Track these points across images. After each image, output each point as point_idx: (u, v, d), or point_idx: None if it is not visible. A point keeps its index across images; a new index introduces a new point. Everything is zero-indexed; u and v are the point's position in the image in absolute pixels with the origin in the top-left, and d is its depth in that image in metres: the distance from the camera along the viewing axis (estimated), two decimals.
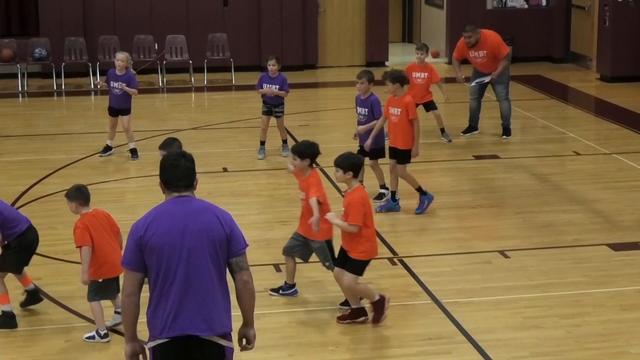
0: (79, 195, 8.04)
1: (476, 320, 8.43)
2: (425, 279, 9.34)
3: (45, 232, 10.53)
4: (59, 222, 10.71)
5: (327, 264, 8.74)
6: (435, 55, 21.66)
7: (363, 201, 8.13)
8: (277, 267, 9.54)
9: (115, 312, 8.31)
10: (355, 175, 8.23)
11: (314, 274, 8.99)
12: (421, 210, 11.34)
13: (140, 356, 5.69)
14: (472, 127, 15.11)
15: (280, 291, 8.98)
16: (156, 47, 19.78)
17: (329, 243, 8.74)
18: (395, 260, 9.90)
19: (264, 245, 10.16)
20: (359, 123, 11.56)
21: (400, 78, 11.14)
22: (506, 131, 14.96)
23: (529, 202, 11.80)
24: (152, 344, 5.57)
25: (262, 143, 13.69)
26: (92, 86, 18.67)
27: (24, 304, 8.70)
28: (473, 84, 14.86)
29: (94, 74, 19.08)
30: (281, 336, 8.13)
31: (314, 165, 8.80)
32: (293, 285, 8.98)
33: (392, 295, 8.98)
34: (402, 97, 11.11)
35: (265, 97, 13.57)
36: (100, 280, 7.99)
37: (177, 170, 5.61)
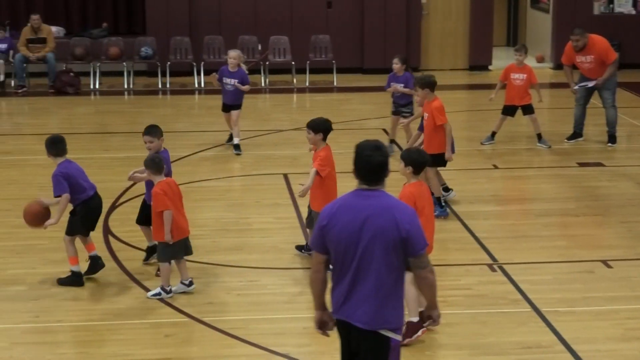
0: (151, 165, 8.85)
1: (576, 330, 8.29)
2: (525, 286, 9.22)
3: None
4: None
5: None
6: (540, 59, 21.38)
7: (412, 197, 7.92)
8: None
9: (181, 283, 8.92)
10: (416, 172, 8.14)
11: None
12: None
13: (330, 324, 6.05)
14: (576, 134, 14.88)
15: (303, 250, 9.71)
16: (260, 48, 19.98)
17: None
18: (495, 266, 9.80)
19: None
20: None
21: (429, 83, 11.14)
22: (612, 139, 14.70)
23: (634, 211, 11.55)
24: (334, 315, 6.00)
25: (391, 141, 14.03)
26: (203, 84, 18.96)
27: (87, 272, 9.28)
28: (576, 87, 14.66)
29: (199, 74, 19.37)
30: None
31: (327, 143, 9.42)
32: None
33: (491, 302, 8.89)
34: (431, 102, 11.11)
35: (394, 97, 13.94)
36: (172, 242, 8.70)
37: (370, 164, 5.79)
